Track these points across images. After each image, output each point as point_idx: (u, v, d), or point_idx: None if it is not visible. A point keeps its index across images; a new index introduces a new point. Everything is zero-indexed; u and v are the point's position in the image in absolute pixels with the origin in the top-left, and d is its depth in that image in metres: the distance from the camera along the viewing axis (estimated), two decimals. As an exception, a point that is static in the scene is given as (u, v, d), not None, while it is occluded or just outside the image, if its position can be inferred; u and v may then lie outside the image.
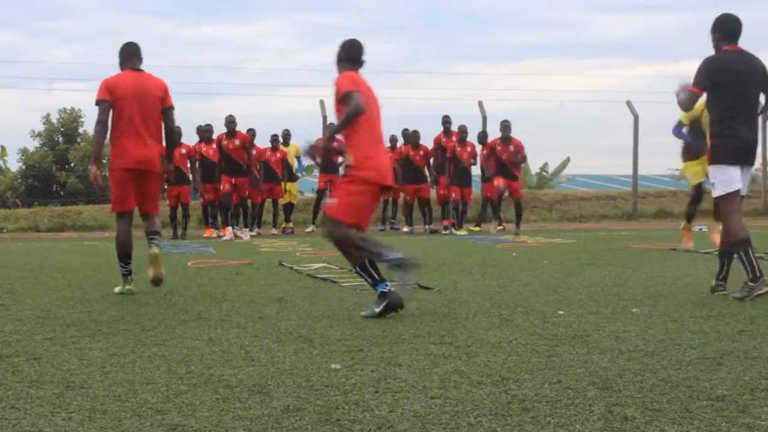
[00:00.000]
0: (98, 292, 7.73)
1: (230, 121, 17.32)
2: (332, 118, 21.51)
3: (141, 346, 5.05)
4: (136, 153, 7.54)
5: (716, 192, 6.97)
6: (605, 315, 6.02)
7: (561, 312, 6.17)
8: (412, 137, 18.78)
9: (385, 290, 6.17)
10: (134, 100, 7.56)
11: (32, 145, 32.56)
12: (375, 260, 6.30)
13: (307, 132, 19.66)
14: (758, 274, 6.71)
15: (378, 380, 4.09)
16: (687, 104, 7.13)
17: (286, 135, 19.39)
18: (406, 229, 19.28)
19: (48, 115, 33.03)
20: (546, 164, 32.71)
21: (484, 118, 22.09)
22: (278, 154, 18.59)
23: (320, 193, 19.63)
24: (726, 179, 6.89)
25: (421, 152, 18.60)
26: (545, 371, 4.25)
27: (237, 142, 17.22)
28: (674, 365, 4.35)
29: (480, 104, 22.46)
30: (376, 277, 6.25)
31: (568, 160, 31.99)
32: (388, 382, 4.04)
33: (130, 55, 7.79)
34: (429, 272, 9.15)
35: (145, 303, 6.97)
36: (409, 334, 5.33)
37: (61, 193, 30.01)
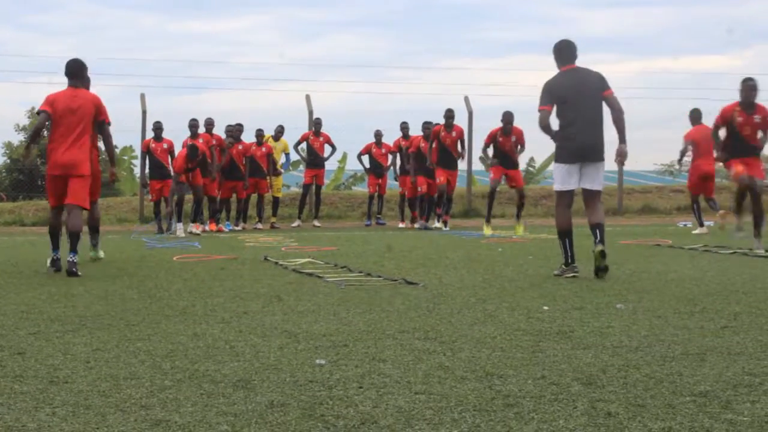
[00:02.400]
0: (83, 287, 7.71)
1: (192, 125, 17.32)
2: (318, 113, 21.50)
3: (125, 341, 5.04)
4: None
5: (555, 187, 8.61)
6: (589, 311, 6.04)
7: (545, 307, 6.18)
8: (424, 130, 18.03)
9: (55, 257, 9.15)
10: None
11: (17, 138, 32.49)
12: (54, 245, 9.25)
13: (294, 126, 19.70)
14: (569, 262, 8.28)
15: (362, 376, 4.09)
16: (542, 121, 8.35)
17: (279, 131, 19.41)
18: (401, 225, 18.97)
19: (33, 108, 32.94)
20: (532, 159, 32.79)
21: (470, 113, 22.11)
22: (263, 149, 18.56)
23: (306, 188, 19.62)
24: (562, 179, 8.43)
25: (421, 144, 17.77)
26: (529, 367, 4.26)
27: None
28: (658, 361, 4.37)
29: (466, 99, 22.48)
30: (53, 246, 9.23)
31: (554, 155, 32.02)
32: (373, 378, 4.04)
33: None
34: (414, 267, 9.16)
35: (130, 298, 6.96)
36: (394, 329, 5.33)
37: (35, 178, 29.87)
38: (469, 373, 4.13)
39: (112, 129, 9.85)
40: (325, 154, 19.35)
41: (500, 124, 16.22)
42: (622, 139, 8.40)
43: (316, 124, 19.45)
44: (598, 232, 8.23)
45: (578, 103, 8.26)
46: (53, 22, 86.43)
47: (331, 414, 3.44)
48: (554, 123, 8.45)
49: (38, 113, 9.39)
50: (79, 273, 8.62)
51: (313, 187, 19.45)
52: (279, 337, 5.10)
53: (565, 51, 8.46)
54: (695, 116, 15.63)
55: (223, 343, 4.93)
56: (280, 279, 8.20)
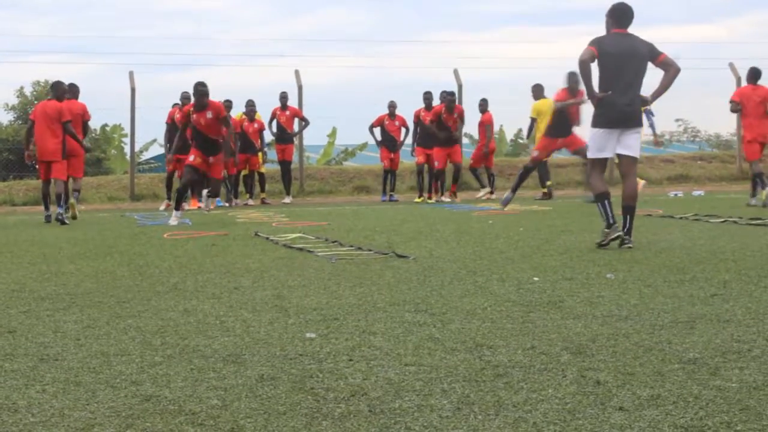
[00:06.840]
0: (73, 265, 7.70)
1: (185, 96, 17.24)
2: (308, 88, 21.28)
3: (116, 318, 5.05)
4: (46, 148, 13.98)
5: (589, 154, 8.58)
6: (580, 281, 6.05)
7: (536, 278, 6.19)
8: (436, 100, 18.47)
9: (47, 215, 13.62)
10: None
11: (6, 118, 32.36)
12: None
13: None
14: (611, 222, 8.08)
15: (352, 348, 4.10)
16: (583, 56, 8.12)
17: (250, 106, 19.00)
18: (431, 200, 18.50)
19: (21, 88, 32.82)
20: (521, 131, 32.75)
21: (460, 87, 22.05)
22: (255, 125, 18.47)
23: (281, 164, 19.47)
24: (598, 146, 8.34)
25: (456, 115, 18.33)
26: (519, 337, 4.27)
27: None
28: (647, 329, 4.39)
29: (455, 72, 22.42)
30: (45, 207, 14.04)
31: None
32: (363, 350, 4.05)
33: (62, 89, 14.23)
34: (405, 241, 9.17)
35: (121, 276, 6.95)
36: (385, 302, 5.34)
37: (36, 166, 29.78)
38: (459, 344, 4.15)
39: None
40: (296, 129, 19.18)
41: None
42: (655, 92, 8.32)
43: (282, 99, 19.01)
44: (628, 219, 8.13)
45: (622, 67, 8.15)
46: (38, 1, 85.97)
47: (321, 387, 3.45)
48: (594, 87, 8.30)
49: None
50: (67, 222, 13.19)
51: (285, 161, 19.18)
52: (269, 312, 5.11)
53: (621, 15, 8.28)
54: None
55: (214, 319, 4.94)
56: (270, 254, 8.20)
